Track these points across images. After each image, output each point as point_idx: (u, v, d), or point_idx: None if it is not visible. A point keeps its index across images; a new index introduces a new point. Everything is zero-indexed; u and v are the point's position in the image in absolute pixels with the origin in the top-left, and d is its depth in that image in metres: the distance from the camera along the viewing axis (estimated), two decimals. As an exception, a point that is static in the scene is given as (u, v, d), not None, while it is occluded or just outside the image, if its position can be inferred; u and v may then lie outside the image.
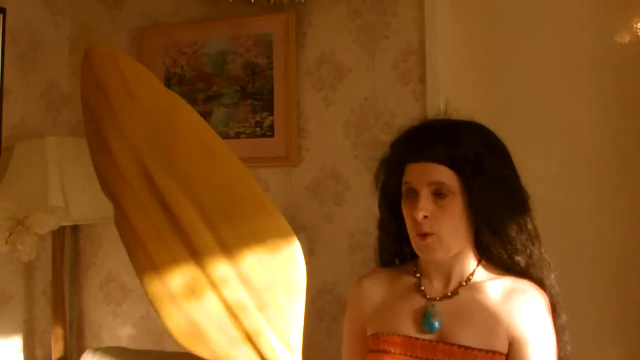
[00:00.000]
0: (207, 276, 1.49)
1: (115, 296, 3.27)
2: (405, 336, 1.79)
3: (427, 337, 1.78)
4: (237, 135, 2.96)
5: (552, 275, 1.84)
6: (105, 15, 3.28)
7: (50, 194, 2.80)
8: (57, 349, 3.00)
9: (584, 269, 2.46)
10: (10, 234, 2.73)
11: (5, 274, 3.11)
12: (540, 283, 1.81)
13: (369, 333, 1.87)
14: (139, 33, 3.18)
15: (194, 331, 1.49)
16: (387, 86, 2.66)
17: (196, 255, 1.49)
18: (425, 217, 1.74)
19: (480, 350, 1.72)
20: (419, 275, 1.87)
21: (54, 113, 3.30)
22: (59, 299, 3.02)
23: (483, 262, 1.84)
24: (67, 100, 3.34)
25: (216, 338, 1.48)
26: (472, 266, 1.83)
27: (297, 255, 1.53)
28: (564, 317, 1.85)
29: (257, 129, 2.90)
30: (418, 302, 1.83)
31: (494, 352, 1.72)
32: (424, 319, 1.79)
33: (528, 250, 1.80)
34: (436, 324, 1.78)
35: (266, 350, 1.49)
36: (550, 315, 1.78)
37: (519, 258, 1.79)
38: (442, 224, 1.74)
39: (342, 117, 2.75)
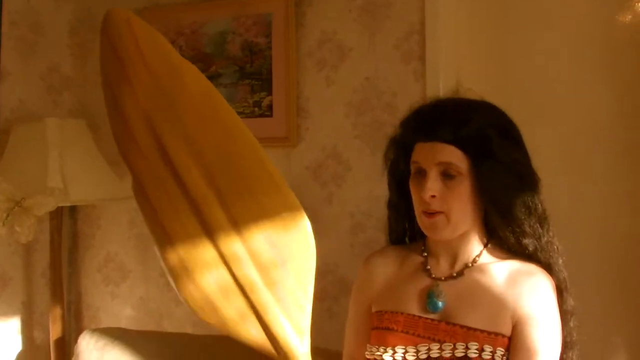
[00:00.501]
0: (219, 251, 1.51)
1: (113, 277, 3.26)
2: (408, 314, 1.79)
3: (431, 316, 1.78)
4: (236, 116, 2.93)
5: (560, 260, 1.83)
6: (106, -4, 3.25)
7: (48, 175, 2.80)
8: (55, 330, 3.00)
9: (592, 253, 2.44)
10: (8, 216, 2.73)
11: (3, 256, 3.10)
12: (547, 267, 1.80)
13: (373, 310, 1.87)
14: (139, 14, 3.13)
15: (206, 303, 1.52)
16: (388, 66, 2.64)
17: (208, 230, 1.51)
18: (433, 196, 1.73)
19: (482, 331, 1.72)
20: (426, 254, 1.87)
21: (54, 96, 3.29)
22: (57, 280, 3.02)
23: (490, 245, 1.84)
24: (68, 83, 3.32)
25: (226, 311, 1.51)
26: (478, 248, 1.83)
27: (306, 236, 1.54)
28: (571, 302, 1.84)
29: (256, 108, 2.88)
30: (423, 281, 1.83)
31: (496, 334, 1.72)
32: (428, 298, 1.79)
33: (536, 234, 1.79)
34: (440, 304, 1.77)
35: (274, 327, 1.51)
36: (556, 299, 1.78)
37: (526, 241, 1.78)
38: (451, 203, 1.74)
39: (343, 97, 2.72)
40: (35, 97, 3.21)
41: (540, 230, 1.80)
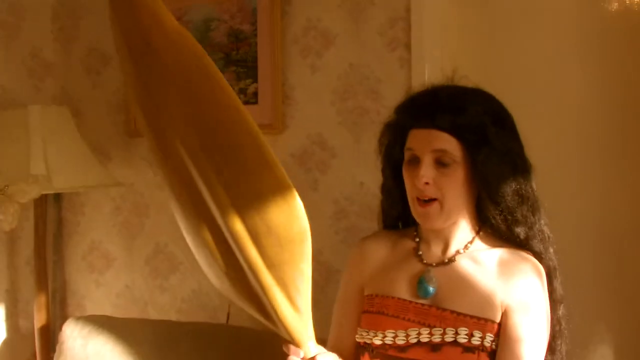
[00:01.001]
0: (228, 228, 1.55)
1: (98, 265, 3.25)
2: (399, 299, 1.81)
3: (421, 301, 1.79)
4: (221, 103, 2.92)
5: (551, 249, 1.85)
6: (87, -19, 3.23)
7: (32, 163, 2.79)
8: (40, 318, 2.99)
9: (587, 241, 2.44)
10: (-9, 203, 2.71)
11: (-13, 244, 3.09)
12: (538, 255, 1.81)
13: (366, 293, 1.89)
14: None
15: (222, 281, 1.64)
16: (373, 53, 2.64)
17: (217, 211, 1.55)
18: (427, 183, 1.73)
19: (472, 317, 1.73)
20: (418, 240, 1.88)
21: (36, 81, 3.26)
22: (42, 268, 3.00)
23: (482, 232, 1.85)
24: (50, 69, 3.29)
25: (237, 287, 1.62)
26: (470, 235, 1.84)
27: (298, 216, 1.55)
28: (559, 292, 1.86)
29: (241, 95, 2.86)
30: (415, 267, 1.84)
31: (486, 320, 1.73)
32: (419, 284, 1.81)
33: (528, 222, 1.80)
34: (430, 289, 1.79)
35: (275, 307, 1.56)
36: (546, 288, 1.79)
37: (518, 229, 1.80)
38: (445, 190, 1.75)
39: (328, 84, 2.72)
40: (17, 83, 3.18)
41: (532, 218, 1.81)
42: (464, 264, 1.81)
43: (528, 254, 1.81)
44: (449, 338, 1.73)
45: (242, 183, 1.53)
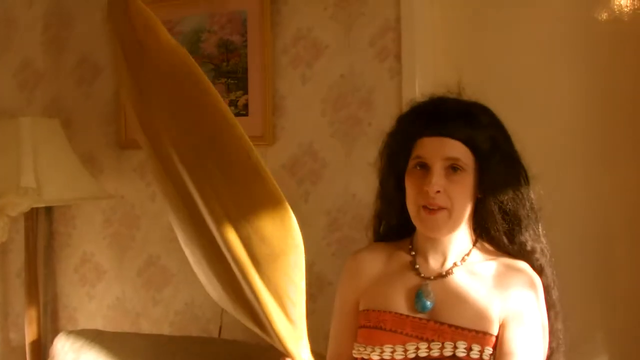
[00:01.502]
0: (223, 241, 1.55)
1: (90, 278, 3.24)
2: (396, 313, 1.80)
3: (419, 315, 1.78)
4: (212, 114, 2.91)
5: (549, 257, 1.85)
6: (79, -8, 3.22)
7: (22, 176, 2.77)
8: (31, 332, 2.97)
9: (576, 245, 2.44)
10: (-19, 216, 2.70)
11: (-23, 257, 3.07)
12: (539, 266, 1.82)
13: (361, 308, 1.87)
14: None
15: (219, 292, 1.66)
16: (364, 63, 2.64)
17: (212, 221, 1.56)
18: (438, 192, 1.73)
19: (470, 330, 1.73)
20: (414, 253, 1.86)
21: (27, 93, 3.25)
22: (33, 281, 2.99)
23: (478, 243, 1.84)
24: (41, 80, 3.28)
25: (233, 298, 1.64)
26: (468, 246, 1.83)
27: (291, 228, 1.54)
28: (558, 304, 1.85)
29: (232, 107, 2.86)
30: (412, 280, 1.83)
31: (484, 333, 1.72)
32: (416, 298, 1.79)
33: (531, 230, 1.81)
34: (428, 304, 1.78)
35: (269, 318, 1.55)
36: (542, 299, 1.79)
37: (521, 238, 1.80)
38: (454, 199, 1.74)
39: (319, 95, 2.71)
40: (7, 94, 3.17)
41: (534, 227, 1.82)
42: (461, 276, 1.80)
43: (523, 264, 1.80)
44: (447, 352, 1.72)
45: (234, 194, 1.53)
